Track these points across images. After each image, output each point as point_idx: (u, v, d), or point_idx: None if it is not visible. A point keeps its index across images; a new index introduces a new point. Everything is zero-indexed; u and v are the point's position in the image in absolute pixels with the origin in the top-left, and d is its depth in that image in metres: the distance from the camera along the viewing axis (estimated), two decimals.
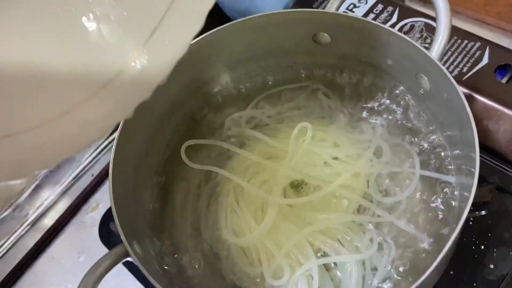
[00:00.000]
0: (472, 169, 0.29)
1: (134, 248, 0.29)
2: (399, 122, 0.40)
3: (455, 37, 0.43)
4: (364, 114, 0.41)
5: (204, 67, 0.40)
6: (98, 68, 0.25)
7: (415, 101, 0.39)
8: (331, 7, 0.39)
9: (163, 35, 0.25)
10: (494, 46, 0.42)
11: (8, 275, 0.45)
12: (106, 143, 0.52)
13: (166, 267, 0.35)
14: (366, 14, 0.47)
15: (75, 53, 0.24)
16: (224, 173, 0.37)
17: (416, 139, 0.38)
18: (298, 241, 0.34)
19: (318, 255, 0.34)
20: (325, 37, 0.39)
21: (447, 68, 0.39)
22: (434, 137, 0.38)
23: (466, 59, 0.42)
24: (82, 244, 0.46)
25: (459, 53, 0.42)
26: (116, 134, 0.33)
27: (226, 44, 0.39)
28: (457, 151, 0.35)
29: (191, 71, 0.39)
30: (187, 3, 0.24)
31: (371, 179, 0.37)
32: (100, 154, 0.51)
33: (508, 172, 0.40)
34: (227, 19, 0.54)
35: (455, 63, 0.42)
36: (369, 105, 0.41)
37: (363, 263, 0.34)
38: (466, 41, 0.43)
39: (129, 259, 0.29)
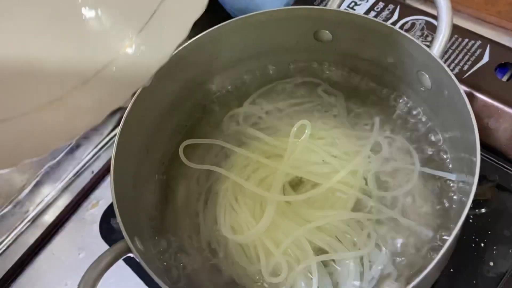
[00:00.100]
0: (473, 167, 0.29)
1: (136, 244, 0.29)
2: (399, 119, 0.40)
3: (456, 36, 0.43)
4: (363, 111, 0.41)
5: (204, 64, 0.40)
6: (90, 56, 0.24)
7: (415, 99, 0.39)
8: (332, 5, 0.39)
9: (162, 21, 0.25)
10: (495, 45, 0.42)
11: (8, 271, 0.45)
12: (106, 140, 0.52)
13: (166, 263, 0.35)
14: (367, 12, 0.47)
15: (68, 40, 0.24)
16: (222, 172, 0.37)
17: (416, 136, 0.38)
18: (297, 238, 0.34)
19: (316, 251, 0.35)
20: (326, 34, 0.39)
21: (448, 66, 0.39)
22: (434, 134, 0.38)
23: (466, 57, 0.42)
24: (82, 241, 0.46)
25: (460, 51, 0.42)
26: (117, 131, 0.33)
27: (227, 41, 0.39)
28: (458, 149, 0.35)
29: (192, 68, 0.39)
30: None
31: (370, 175, 0.37)
32: (101, 151, 0.51)
33: (508, 170, 0.40)
34: (228, 16, 0.54)
35: (455, 61, 0.42)
36: (368, 102, 0.41)
37: (361, 259, 0.34)
38: (466, 40, 0.43)
39: (130, 255, 0.29)
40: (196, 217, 0.38)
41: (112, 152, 0.32)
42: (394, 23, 0.45)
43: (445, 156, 0.37)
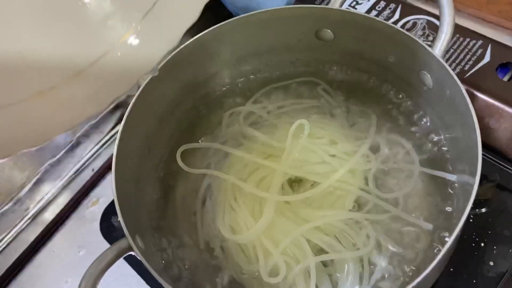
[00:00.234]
0: (474, 167, 0.29)
1: (137, 242, 0.29)
2: (400, 119, 0.40)
3: (457, 35, 0.43)
4: (363, 110, 0.41)
5: (206, 62, 0.40)
6: (86, 46, 0.24)
7: (417, 99, 0.39)
8: (334, 4, 0.39)
9: (168, 5, 0.24)
10: (496, 44, 0.42)
11: (8, 269, 0.45)
12: (107, 138, 0.52)
13: (166, 261, 0.35)
14: (368, 11, 0.47)
15: (64, 31, 0.24)
16: (220, 175, 0.37)
17: (416, 136, 0.38)
18: (296, 238, 0.34)
19: (315, 252, 0.34)
20: (328, 33, 0.39)
21: (449, 66, 0.39)
22: (435, 134, 0.38)
23: (468, 57, 0.42)
24: (82, 239, 0.46)
25: (461, 51, 0.42)
26: (119, 128, 0.33)
27: (228, 40, 0.39)
28: (459, 149, 0.35)
29: (193, 67, 0.39)
30: None
31: (369, 175, 0.37)
32: (101, 149, 0.51)
33: (508, 170, 0.40)
34: (229, 15, 0.54)
35: (457, 61, 0.42)
36: (368, 102, 0.41)
37: (361, 259, 0.34)
38: (468, 39, 0.43)
39: (131, 253, 0.29)
40: (196, 216, 0.38)
41: (112, 150, 0.32)
42: (396, 22, 0.45)
43: (445, 156, 0.37)
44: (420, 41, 0.33)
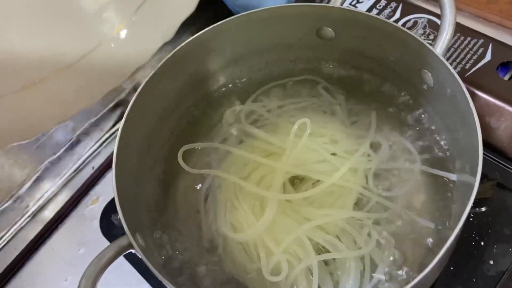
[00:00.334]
0: (474, 166, 0.29)
1: (137, 240, 0.29)
2: (400, 118, 0.40)
3: (458, 34, 0.43)
4: (364, 109, 0.41)
5: (206, 61, 0.40)
6: (77, 40, 0.24)
7: (417, 97, 0.39)
8: (335, 2, 0.39)
9: (160, 1, 0.24)
10: (497, 43, 0.42)
11: (8, 266, 0.45)
12: (107, 136, 0.52)
13: (167, 260, 0.35)
14: (369, 10, 0.47)
15: (58, 24, 0.24)
16: (221, 175, 0.37)
17: (417, 135, 0.38)
18: (297, 237, 0.34)
19: (316, 250, 0.34)
20: (329, 31, 0.39)
21: (450, 65, 0.39)
22: (435, 133, 0.38)
23: (469, 56, 0.42)
24: (82, 237, 0.46)
25: (462, 50, 0.42)
26: (119, 126, 0.33)
27: (229, 38, 0.39)
28: (459, 147, 0.35)
29: (194, 65, 0.39)
30: None
31: (370, 174, 0.37)
32: (101, 147, 0.51)
33: (508, 169, 0.40)
34: (230, 13, 0.54)
35: (457, 60, 0.42)
36: (369, 101, 0.41)
37: (362, 258, 0.34)
38: (469, 38, 0.43)
39: (131, 250, 0.29)
40: (197, 214, 0.38)
41: (113, 148, 0.32)
42: (396, 21, 0.45)
43: (446, 155, 0.37)
44: (421, 39, 0.33)
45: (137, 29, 0.24)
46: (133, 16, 0.24)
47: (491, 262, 0.36)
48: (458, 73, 0.41)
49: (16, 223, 0.48)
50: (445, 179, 0.36)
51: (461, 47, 0.43)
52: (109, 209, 0.45)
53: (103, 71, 0.24)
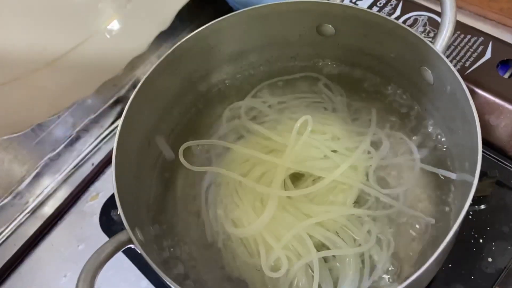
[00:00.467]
0: (474, 163, 0.29)
1: (137, 235, 0.29)
2: (400, 115, 0.40)
3: (458, 32, 0.43)
4: (364, 106, 0.41)
5: (206, 57, 0.40)
6: (73, 30, 0.24)
7: (417, 95, 0.39)
8: None
9: None
10: (497, 41, 0.42)
11: (7, 262, 0.45)
12: (106, 132, 0.52)
13: (167, 255, 0.35)
14: (369, 7, 0.47)
15: (51, 15, 0.23)
16: (221, 172, 0.37)
17: (417, 132, 0.39)
18: (297, 233, 0.34)
19: (316, 247, 0.34)
20: (329, 28, 0.39)
21: (450, 63, 0.39)
22: (435, 130, 0.38)
23: (468, 53, 0.42)
24: (81, 233, 0.46)
25: (462, 48, 0.42)
26: (119, 122, 0.33)
27: (229, 34, 0.39)
28: (459, 145, 0.35)
29: (194, 61, 0.39)
30: None
31: (370, 171, 0.37)
32: (101, 143, 0.51)
33: (508, 167, 0.40)
34: (230, 9, 0.54)
35: (457, 58, 0.42)
36: (369, 98, 0.41)
37: (362, 255, 0.34)
38: (469, 36, 0.43)
39: (131, 246, 0.29)
40: (197, 210, 0.38)
41: (112, 144, 0.32)
42: (397, 19, 0.45)
43: (446, 152, 0.37)
44: (421, 36, 0.33)
45: (132, 18, 0.24)
46: (128, 4, 0.24)
47: (490, 259, 0.36)
48: (458, 71, 0.41)
49: (15, 219, 0.48)
50: (445, 176, 0.36)
51: (461, 45, 0.43)
52: (109, 205, 0.45)
53: (98, 62, 0.24)
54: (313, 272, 0.33)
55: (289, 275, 0.33)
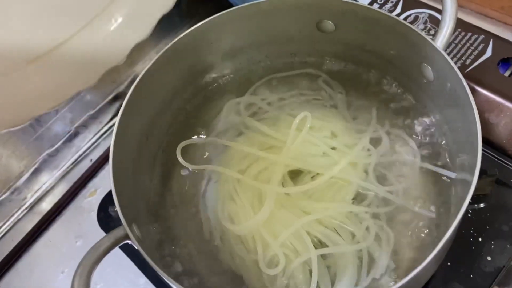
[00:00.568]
0: (473, 161, 0.28)
1: (134, 231, 0.29)
2: (400, 112, 0.40)
3: (459, 29, 0.43)
4: (364, 104, 0.41)
5: (205, 52, 0.40)
6: (69, 20, 0.23)
7: (417, 92, 0.39)
8: None
9: None
10: (498, 39, 0.42)
11: (5, 258, 0.45)
12: (105, 128, 0.52)
13: (164, 251, 0.35)
14: (370, 4, 0.47)
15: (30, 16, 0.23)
16: (219, 170, 0.37)
17: (417, 129, 0.38)
18: (296, 230, 0.34)
19: (315, 244, 0.34)
20: (329, 24, 0.38)
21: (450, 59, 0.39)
22: (435, 127, 0.38)
23: (469, 51, 0.42)
24: (79, 229, 0.46)
25: (463, 46, 0.42)
26: (117, 118, 0.33)
27: (228, 29, 0.39)
28: (458, 142, 0.35)
29: (193, 56, 0.39)
30: None
31: (370, 168, 0.37)
32: (100, 140, 0.51)
33: (507, 166, 0.40)
34: (230, 5, 0.53)
35: (458, 55, 0.42)
36: (369, 95, 0.41)
37: (360, 252, 0.34)
38: (470, 34, 0.43)
39: (128, 241, 0.29)
40: (195, 206, 0.38)
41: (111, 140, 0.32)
42: (397, 16, 0.45)
43: (445, 150, 0.37)
44: (422, 33, 0.33)
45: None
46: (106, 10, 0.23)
47: (489, 258, 0.36)
48: (459, 68, 0.41)
49: (13, 214, 0.48)
50: (444, 174, 0.36)
51: (462, 42, 0.42)
52: (107, 201, 0.44)
53: (99, 51, 0.24)
54: (311, 269, 0.33)
55: (287, 272, 0.33)
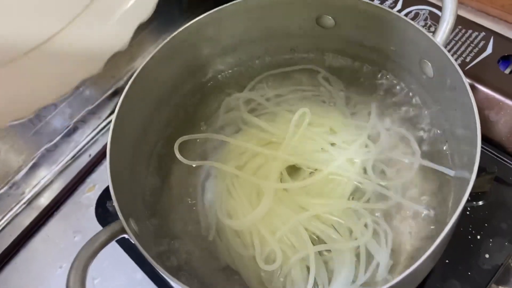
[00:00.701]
0: (472, 158, 0.28)
1: (131, 225, 0.29)
2: (400, 108, 0.39)
3: (460, 27, 0.43)
4: (363, 100, 0.40)
5: (204, 48, 0.40)
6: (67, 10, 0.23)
7: (417, 88, 0.39)
8: None
9: None
10: (499, 37, 0.42)
11: (2, 253, 0.45)
12: (104, 123, 0.51)
13: (161, 246, 0.35)
14: (370, 1, 0.46)
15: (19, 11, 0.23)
16: (218, 166, 0.37)
17: (416, 126, 0.38)
18: (293, 226, 0.34)
19: (313, 240, 0.34)
20: (329, 20, 0.38)
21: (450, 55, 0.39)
22: (434, 124, 0.38)
23: (470, 48, 0.42)
24: (77, 224, 0.46)
25: (463, 43, 0.42)
26: (114, 114, 0.33)
27: (227, 24, 0.38)
28: (458, 139, 0.35)
29: (192, 51, 0.39)
30: None
31: (368, 165, 0.36)
32: (98, 135, 0.51)
33: (507, 163, 0.40)
34: (230, 1, 0.53)
35: (458, 52, 0.42)
36: (368, 91, 0.41)
37: (358, 248, 0.33)
38: (470, 31, 0.43)
39: (125, 235, 0.29)
40: (192, 201, 0.38)
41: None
42: (398, 12, 0.45)
43: (444, 146, 0.37)
44: (422, 28, 0.33)
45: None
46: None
47: (487, 256, 0.36)
48: (459, 65, 0.41)
49: (11, 209, 0.47)
50: (443, 171, 0.36)
51: (462, 39, 0.42)
52: (105, 196, 0.44)
53: (100, 39, 0.23)
54: (308, 264, 0.32)
55: (284, 268, 0.33)
